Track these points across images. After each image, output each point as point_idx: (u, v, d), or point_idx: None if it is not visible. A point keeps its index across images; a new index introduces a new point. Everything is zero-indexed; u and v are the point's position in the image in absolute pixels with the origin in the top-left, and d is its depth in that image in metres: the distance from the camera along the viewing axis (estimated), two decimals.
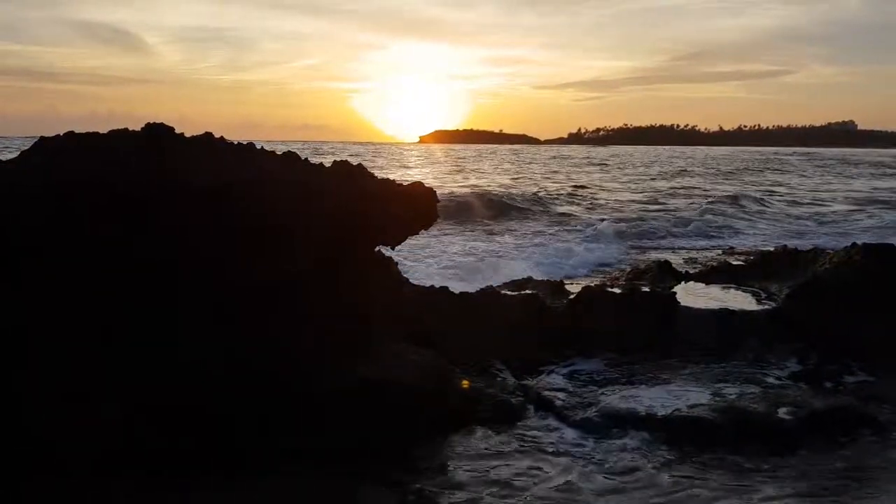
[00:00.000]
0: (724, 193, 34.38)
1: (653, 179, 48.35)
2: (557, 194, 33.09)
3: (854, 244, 9.11)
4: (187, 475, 5.07)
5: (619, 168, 62.52)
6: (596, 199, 32.66)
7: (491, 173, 49.78)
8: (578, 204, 30.18)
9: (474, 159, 75.70)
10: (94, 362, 5.23)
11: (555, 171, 54.30)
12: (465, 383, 6.87)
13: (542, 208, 27.36)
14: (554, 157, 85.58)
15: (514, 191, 32.27)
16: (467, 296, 8.69)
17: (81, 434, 4.97)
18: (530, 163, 62.37)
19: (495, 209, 25.39)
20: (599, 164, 67.83)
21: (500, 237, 20.19)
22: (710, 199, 30.86)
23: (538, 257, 16.13)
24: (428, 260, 15.29)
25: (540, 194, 31.52)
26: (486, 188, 32.63)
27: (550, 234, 21.25)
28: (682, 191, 37.76)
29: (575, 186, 38.19)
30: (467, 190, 31.37)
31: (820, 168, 67.49)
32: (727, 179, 49.20)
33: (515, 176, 46.75)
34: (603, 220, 23.49)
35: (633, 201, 31.66)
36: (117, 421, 5.10)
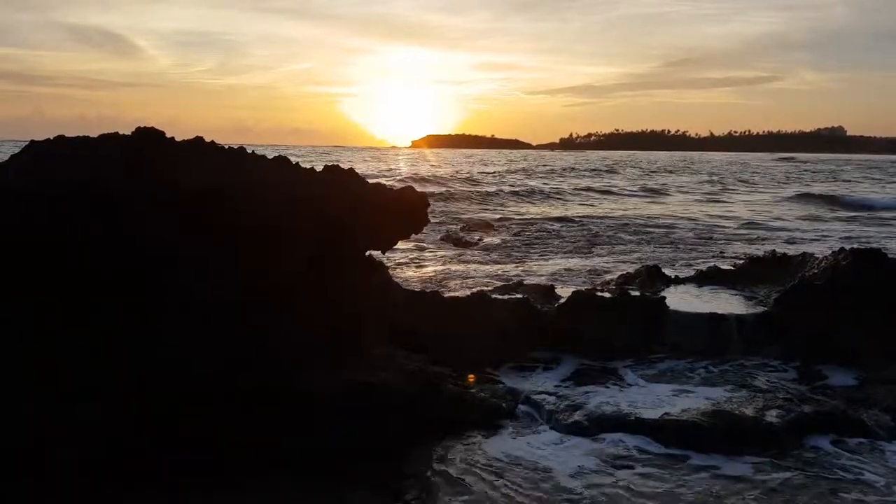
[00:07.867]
0: None
1: None
2: None
3: (842, 249, 9.16)
4: (175, 478, 5.06)
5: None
6: None
7: None
8: None
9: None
10: (79, 364, 5.22)
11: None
12: (454, 385, 6.87)
13: None
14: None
15: None
16: (458, 300, 8.72)
17: (66, 436, 4.95)
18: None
19: None
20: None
21: None
22: None
23: None
24: None
25: None
26: None
27: None
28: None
29: None
30: None
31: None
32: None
33: None
34: None
35: None
36: (103, 423, 5.08)
